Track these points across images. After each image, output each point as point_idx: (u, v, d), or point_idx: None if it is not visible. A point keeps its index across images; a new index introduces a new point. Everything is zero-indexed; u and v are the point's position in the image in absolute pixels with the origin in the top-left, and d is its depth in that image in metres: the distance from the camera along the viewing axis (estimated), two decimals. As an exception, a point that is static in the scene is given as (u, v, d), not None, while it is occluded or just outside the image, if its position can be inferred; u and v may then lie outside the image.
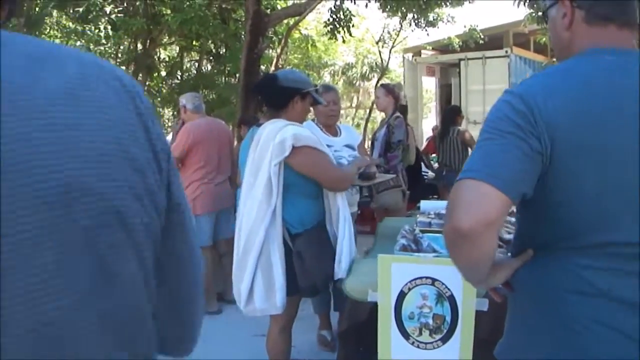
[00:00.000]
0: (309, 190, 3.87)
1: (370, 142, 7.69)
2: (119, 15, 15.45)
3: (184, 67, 22.53)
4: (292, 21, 17.10)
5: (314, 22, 25.64)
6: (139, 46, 18.59)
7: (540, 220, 1.82)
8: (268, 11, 14.99)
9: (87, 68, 1.08)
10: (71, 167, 1.00)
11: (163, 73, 21.74)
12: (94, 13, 15.11)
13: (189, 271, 1.29)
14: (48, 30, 18.58)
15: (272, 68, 16.96)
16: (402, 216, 6.00)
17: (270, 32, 15.76)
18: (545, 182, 1.70)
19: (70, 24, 16.75)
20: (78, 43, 14.39)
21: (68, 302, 1.03)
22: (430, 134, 13.59)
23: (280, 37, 18.27)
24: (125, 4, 16.58)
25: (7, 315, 0.96)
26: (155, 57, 20.39)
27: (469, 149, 8.85)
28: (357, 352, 3.75)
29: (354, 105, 37.83)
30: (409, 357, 3.30)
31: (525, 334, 1.90)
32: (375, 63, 30.40)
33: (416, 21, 20.01)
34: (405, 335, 3.29)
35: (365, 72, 32.81)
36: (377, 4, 16.89)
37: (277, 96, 3.95)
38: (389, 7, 17.22)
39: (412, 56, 19.63)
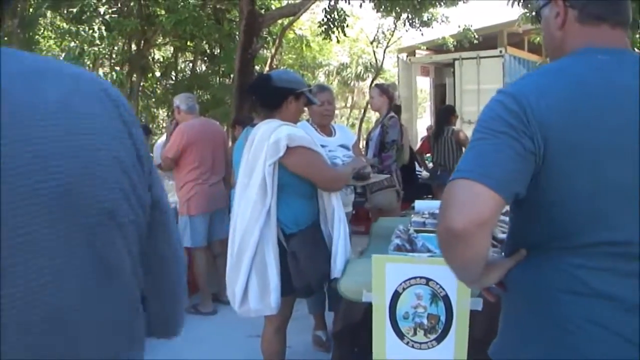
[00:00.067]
0: (304, 191, 3.87)
1: (364, 142, 7.68)
2: (113, 15, 15.42)
3: (178, 68, 22.50)
4: (286, 21, 17.07)
5: (308, 22, 25.65)
6: (133, 47, 18.56)
7: (534, 220, 1.82)
8: (262, 11, 14.99)
9: (79, 81, 1.16)
10: (69, 171, 1.07)
11: (157, 74, 21.72)
12: (88, 14, 15.09)
13: (172, 266, 1.39)
14: (42, 31, 18.57)
15: (267, 68, 16.94)
16: (396, 216, 6.00)
17: (264, 33, 15.75)
18: (538, 182, 1.70)
19: (64, 24, 16.68)
20: (72, 44, 14.35)
21: (70, 301, 1.11)
22: (425, 133, 13.57)
23: (274, 37, 18.25)
24: (119, 5, 16.55)
25: (7, 317, 1.00)
26: (150, 57, 20.35)
27: (464, 149, 8.85)
28: (352, 352, 3.76)
29: (348, 105, 37.83)
30: (404, 357, 3.30)
31: (518, 333, 1.90)
32: (370, 63, 30.40)
33: (410, 21, 20.00)
34: (400, 335, 3.29)
35: (360, 72, 32.82)
36: (372, 4, 16.90)
37: (271, 96, 3.95)
38: (383, 7, 17.25)
39: (407, 56, 19.61)
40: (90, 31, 14.33)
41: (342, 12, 15.58)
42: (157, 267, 1.34)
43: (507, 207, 1.89)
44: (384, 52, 25.88)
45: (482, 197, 1.60)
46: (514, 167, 1.66)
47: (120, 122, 1.19)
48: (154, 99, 21.57)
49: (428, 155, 10.85)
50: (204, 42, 18.29)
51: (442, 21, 20.73)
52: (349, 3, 15.57)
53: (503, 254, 2.10)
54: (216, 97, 18.86)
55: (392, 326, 3.29)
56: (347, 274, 3.77)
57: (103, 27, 14.74)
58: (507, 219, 2.37)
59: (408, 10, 18.19)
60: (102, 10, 15.34)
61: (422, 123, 19.10)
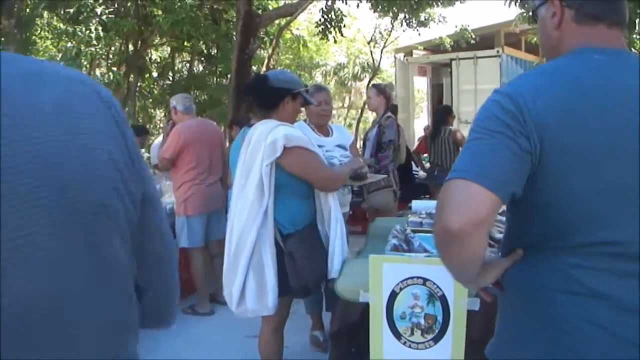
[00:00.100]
0: (301, 191, 3.87)
1: (362, 142, 7.69)
2: (109, 16, 15.39)
3: (176, 68, 22.49)
4: (283, 21, 17.11)
5: (305, 23, 25.67)
6: (130, 47, 18.55)
7: (530, 220, 1.82)
8: (259, 12, 14.99)
9: (73, 82, 1.21)
10: (68, 170, 1.11)
11: (154, 74, 21.69)
12: (85, 14, 15.07)
13: (165, 258, 1.45)
14: (39, 31, 18.54)
15: (264, 69, 16.96)
16: (393, 216, 6.00)
17: (261, 33, 15.76)
18: (535, 182, 1.70)
19: (61, 25, 16.67)
20: (69, 44, 14.33)
21: (71, 301, 1.15)
22: (422, 133, 13.59)
23: (271, 37, 18.27)
24: (116, 5, 16.53)
25: (8, 316, 1.02)
26: (147, 58, 20.35)
27: (461, 149, 8.81)
28: (349, 352, 3.76)
29: (345, 105, 37.85)
30: (401, 357, 3.30)
31: (515, 333, 1.90)
32: (367, 63, 30.43)
33: (407, 21, 20.06)
34: (397, 335, 3.29)
35: (357, 72, 32.84)
36: (369, 4, 16.92)
37: (267, 97, 3.94)
38: (380, 7, 17.26)
39: (404, 56, 19.65)
40: (87, 31, 14.31)
41: (339, 12, 15.60)
42: (149, 259, 1.38)
43: (504, 207, 1.89)
44: (381, 52, 25.92)
45: (478, 197, 1.60)
46: (511, 167, 1.66)
47: (113, 122, 1.24)
48: (151, 100, 21.56)
49: (425, 155, 10.86)
50: (201, 42, 18.29)
51: (439, 21, 20.81)
52: (346, 3, 15.60)
53: (500, 253, 2.09)
54: (213, 97, 18.85)
55: (389, 326, 3.29)
56: (344, 274, 3.77)
57: (100, 28, 14.72)
58: (504, 218, 2.38)
59: (405, 10, 18.21)
60: (99, 10, 15.32)
61: (420, 123, 19.15)
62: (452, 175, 1.67)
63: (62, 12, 16.08)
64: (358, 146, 7.81)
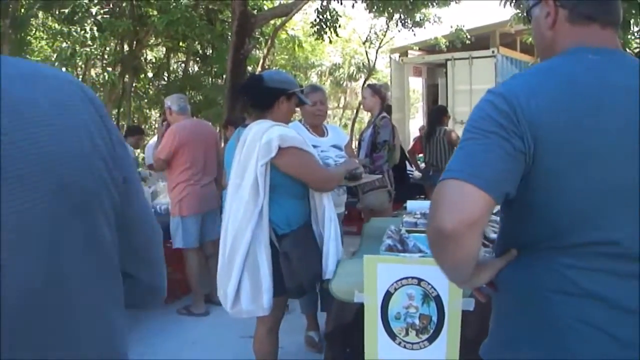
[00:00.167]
0: (296, 191, 3.87)
1: (357, 143, 7.69)
2: (105, 16, 15.38)
3: (171, 68, 22.50)
4: (278, 22, 17.10)
5: (300, 23, 25.67)
6: (125, 47, 18.55)
7: (524, 220, 1.81)
8: (255, 12, 14.99)
9: (62, 81, 1.29)
10: (64, 162, 1.17)
11: (150, 74, 21.72)
12: (80, 14, 15.06)
13: (147, 233, 1.50)
14: (34, 31, 18.51)
15: (259, 69, 16.96)
16: (388, 216, 6.00)
17: (256, 33, 15.77)
18: (528, 182, 1.70)
19: (56, 25, 16.65)
20: (64, 44, 14.32)
21: (72, 301, 1.22)
22: (417, 134, 13.59)
23: (266, 37, 18.28)
24: (111, 5, 16.53)
25: (8, 307, 1.07)
26: (142, 58, 20.33)
27: (455, 149, 8.85)
28: (344, 352, 3.75)
29: (341, 105, 37.88)
30: (396, 357, 3.30)
31: (509, 333, 1.90)
32: (362, 63, 30.44)
33: (403, 21, 20.04)
34: (392, 335, 3.29)
35: (352, 72, 32.87)
36: (364, 5, 16.93)
37: (262, 97, 3.94)
38: (375, 7, 17.26)
39: (399, 56, 19.62)
40: (82, 32, 14.30)
41: (334, 12, 15.62)
42: (133, 236, 1.43)
43: (498, 207, 1.89)
44: (377, 52, 25.94)
45: (472, 197, 1.60)
46: (504, 167, 1.65)
47: (97, 116, 1.31)
48: (146, 100, 21.57)
49: (420, 155, 10.86)
50: (196, 42, 18.30)
51: (435, 21, 20.80)
52: (341, 3, 15.61)
53: (494, 253, 2.09)
54: (208, 97, 18.86)
55: (384, 326, 3.29)
56: (339, 274, 3.77)
57: (95, 28, 14.71)
58: (498, 218, 2.38)
59: (400, 10, 18.23)
60: (94, 10, 15.31)
61: (415, 123, 19.11)
62: (445, 176, 1.67)
63: (57, 12, 16.06)
64: (353, 146, 7.81)
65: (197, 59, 21.01)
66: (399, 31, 21.46)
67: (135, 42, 18.06)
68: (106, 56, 18.66)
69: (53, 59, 15.63)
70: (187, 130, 6.46)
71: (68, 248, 1.19)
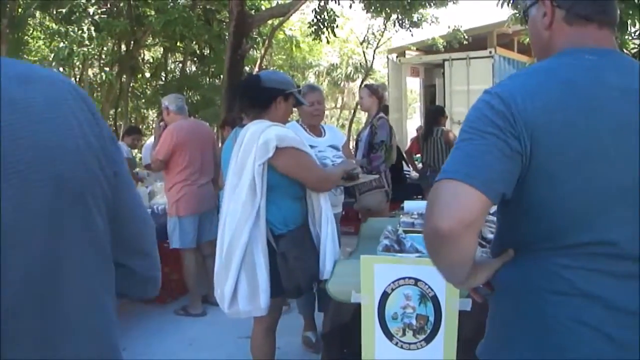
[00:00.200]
0: (293, 191, 3.87)
1: (354, 143, 7.68)
2: (102, 16, 15.33)
3: (168, 68, 22.49)
4: (276, 22, 17.10)
5: (298, 23, 25.66)
6: (123, 47, 18.52)
7: (520, 221, 1.81)
8: (252, 12, 14.99)
9: (55, 81, 1.34)
10: (61, 160, 1.23)
11: (147, 74, 21.69)
12: (77, 14, 15.00)
13: (138, 222, 1.55)
14: (31, 31, 18.49)
15: (256, 69, 16.93)
16: (385, 217, 6.00)
17: (254, 33, 15.77)
18: (525, 182, 1.70)
19: (54, 25, 16.61)
20: (61, 44, 14.25)
21: (69, 275, 1.27)
22: (415, 134, 13.59)
23: (264, 37, 18.27)
24: (108, 5, 16.49)
25: (7, 295, 1.14)
26: (139, 58, 20.35)
27: (453, 149, 8.83)
28: (341, 353, 3.75)
29: (338, 105, 37.88)
30: (393, 357, 3.30)
31: (506, 334, 1.90)
32: (360, 64, 30.46)
33: (400, 22, 20.07)
34: (389, 335, 3.29)
35: (350, 72, 32.88)
36: (361, 5, 16.94)
37: (260, 97, 3.94)
38: (373, 7, 17.28)
39: (397, 57, 19.64)
40: (80, 32, 14.24)
41: (331, 12, 15.62)
42: (125, 228, 1.49)
43: (496, 207, 1.89)
44: (374, 52, 25.93)
45: (468, 198, 1.60)
46: (501, 168, 1.65)
47: (90, 114, 1.37)
48: (143, 100, 21.54)
49: (418, 155, 10.87)
50: (194, 42, 18.28)
51: (432, 22, 20.82)
52: (338, 4, 15.63)
53: (491, 254, 2.09)
54: (206, 97, 18.84)
55: (381, 327, 3.29)
56: (336, 274, 3.77)
57: (92, 28, 14.65)
58: (495, 218, 2.38)
59: (398, 10, 18.25)
60: (91, 10, 15.25)
61: (412, 124, 19.11)
62: (441, 176, 1.67)
63: (54, 12, 16.02)
64: (351, 147, 7.80)
65: (195, 59, 21.00)
66: (397, 31, 21.55)
67: (132, 42, 18.04)
68: (104, 56, 18.63)
69: (50, 59, 15.59)
70: (185, 130, 6.46)
71: (67, 237, 1.26)
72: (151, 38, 19.15)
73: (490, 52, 15.97)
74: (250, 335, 4.11)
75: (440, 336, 3.23)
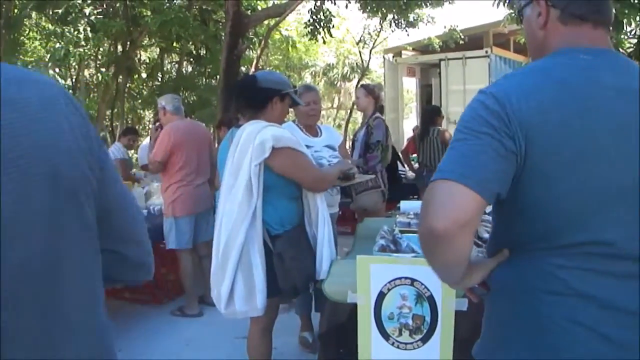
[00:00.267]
0: (289, 192, 3.87)
1: (351, 143, 7.68)
2: (98, 17, 15.31)
3: (164, 69, 22.50)
4: (272, 22, 17.10)
5: (294, 23, 25.67)
6: (119, 48, 18.53)
7: (515, 221, 1.81)
8: (248, 12, 14.98)
9: (46, 85, 1.39)
10: (57, 158, 1.28)
11: (143, 75, 21.72)
12: (74, 15, 14.99)
13: (127, 208, 1.60)
14: (27, 32, 18.47)
15: (252, 69, 16.93)
16: (381, 217, 6.00)
17: (250, 33, 15.77)
18: (519, 182, 1.70)
19: (50, 25, 16.60)
20: (57, 45, 14.25)
21: (66, 264, 1.32)
22: (411, 134, 13.59)
23: (260, 38, 18.27)
24: (104, 6, 16.49)
25: (8, 296, 1.17)
26: (136, 58, 20.32)
27: (449, 149, 8.83)
28: (338, 353, 3.75)
29: (335, 106, 37.88)
30: (389, 357, 3.30)
31: (501, 334, 1.90)
32: (356, 64, 30.48)
33: (396, 22, 20.06)
34: (385, 335, 3.29)
35: (346, 72, 32.90)
36: (357, 5, 16.93)
37: (256, 97, 3.94)
38: (369, 7, 17.26)
39: (393, 57, 19.62)
40: (76, 32, 14.23)
41: (328, 12, 15.62)
42: (114, 219, 1.55)
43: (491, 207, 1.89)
44: (370, 52, 25.93)
45: (462, 198, 1.60)
46: (495, 168, 1.65)
47: (79, 115, 1.43)
48: (140, 100, 21.57)
49: (414, 155, 10.87)
50: (190, 43, 18.30)
51: (428, 22, 20.83)
52: (334, 4, 15.62)
53: (486, 253, 2.09)
54: (202, 98, 18.86)
55: (378, 327, 3.29)
56: (332, 275, 3.77)
57: (88, 28, 14.64)
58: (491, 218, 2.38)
59: (394, 10, 18.23)
60: (87, 11, 15.24)
61: (409, 123, 19.11)
62: (436, 176, 1.67)
63: (50, 12, 15.99)
64: (347, 147, 7.80)
65: (191, 59, 21.01)
66: (393, 31, 21.54)
67: (128, 43, 18.04)
68: (100, 57, 18.65)
69: (47, 60, 15.61)
70: (181, 131, 6.45)
71: (66, 235, 1.31)
72: (147, 38, 19.16)
73: (487, 52, 15.99)
74: (247, 335, 4.11)
75: (437, 336, 3.23)
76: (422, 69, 18.68)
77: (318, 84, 32.11)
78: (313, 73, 33.68)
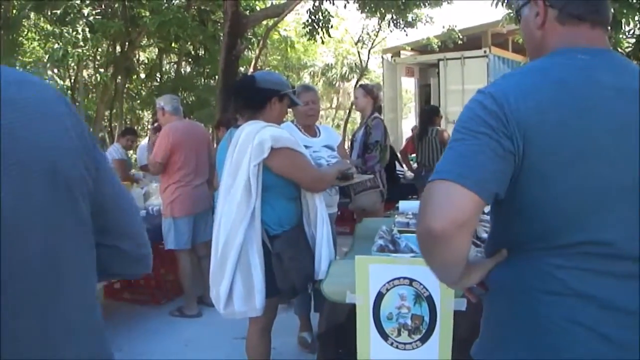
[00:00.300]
0: (288, 192, 3.87)
1: (349, 143, 7.68)
2: (97, 17, 15.30)
3: (163, 69, 22.48)
4: (270, 22, 17.09)
5: (293, 24, 25.67)
6: (118, 48, 18.51)
7: (513, 221, 1.81)
8: (247, 12, 14.98)
9: (45, 87, 1.44)
10: (54, 154, 1.32)
11: (142, 75, 21.69)
12: (72, 15, 14.98)
13: (123, 205, 1.63)
14: (26, 32, 18.46)
15: (251, 69, 16.93)
16: (380, 217, 6.00)
17: (249, 34, 15.76)
18: (517, 182, 1.70)
19: (48, 26, 16.59)
20: (56, 45, 14.23)
21: (69, 275, 1.35)
22: (410, 134, 13.60)
23: (259, 38, 18.26)
24: (103, 6, 16.48)
25: (8, 295, 1.19)
26: (134, 59, 20.28)
27: (448, 149, 8.83)
28: (337, 353, 3.75)
29: (333, 106, 37.89)
30: (388, 357, 3.30)
31: (500, 334, 1.90)
32: (355, 64, 30.46)
33: (395, 22, 20.03)
34: (384, 336, 3.29)
35: (345, 72, 32.90)
36: (356, 5, 16.93)
37: (254, 98, 3.94)
38: (367, 7, 17.27)
39: (391, 57, 19.65)
40: (74, 33, 14.21)
41: (326, 13, 15.61)
42: (111, 215, 1.57)
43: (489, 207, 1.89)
44: (369, 52, 25.91)
45: (460, 198, 1.60)
46: (493, 168, 1.65)
47: (74, 116, 1.46)
48: (138, 101, 21.54)
49: (413, 155, 10.87)
50: (189, 43, 18.26)
51: (427, 22, 20.79)
52: (333, 4, 15.62)
53: (485, 253, 2.09)
54: (201, 98, 18.84)
55: (376, 327, 3.29)
56: (331, 275, 3.77)
57: (87, 29, 14.61)
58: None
59: (392, 11, 18.24)
60: (86, 11, 15.23)
61: (407, 123, 19.14)
62: (434, 177, 1.67)
63: (49, 13, 15.98)
64: (346, 147, 7.80)
65: (190, 59, 20.98)
66: (391, 31, 21.47)
67: (127, 43, 18.01)
68: (98, 57, 18.64)
69: (45, 60, 15.60)
70: (180, 131, 6.45)
71: (65, 234, 1.34)
72: (146, 39, 19.12)
73: (485, 52, 16.02)
74: (246, 335, 4.11)
75: (436, 336, 3.23)
76: (421, 69, 18.71)
77: (317, 84, 32.12)
78: (312, 73, 33.68)
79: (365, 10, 18.03)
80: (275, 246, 3.77)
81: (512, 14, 11.54)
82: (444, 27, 20.35)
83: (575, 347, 1.71)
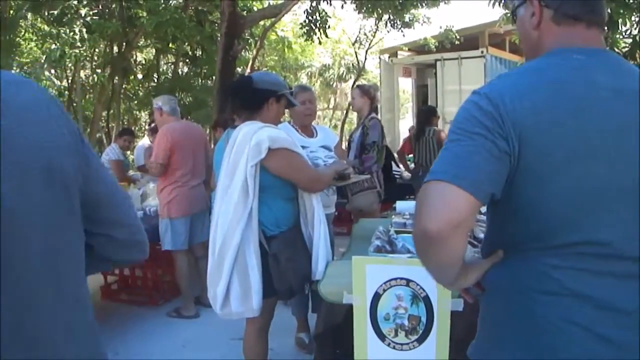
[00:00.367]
0: (285, 192, 3.87)
1: (347, 144, 7.68)
2: (94, 17, 15.31)
3: (160, 70, 22.44)
4: (268, 23, 17.08)
5: (290, 24, 25.67)
6: (115, 49, 18.49)
7: (509, 221, 1.81)
8: (244, 13, 14.97)
9: (35, 88, 1.47)
10: (49, 152, 1.35)
11: (139, 76, 21.67)
12: (69, 16, 14.98)
13: (115, 197, 1.65)
14: (23, 33, 18.43)
15: (248, 70, 16.91)
16: (377, 217, 6.00)
17: (246, 34, 15.75)
18: (513, 183, 1.70)
19: (45, 26, 16.60)
20: (53, 46, 14.21)
21: (68, 274, 1.39)
22: (407, 134, 13.60)
23: (256, 38, 18.26)
24: (100, 7, 16.47)
25: (8, 289, 1.21)
26: (131, 59, 20.30)
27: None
28: (334, 354, 3.75)
29: (331, 106, 37.89)
30: (385, 358, 3.30)
31: (497, 334, 1.90)
32: (352, 64, 30.48)
33: (392, 22, 20.08)
34: (381, 336, 3.29)
35: (342, 73, 32.92)
36: (353, 5, 16.94)
37: (252, 98, 3.94)
38: (364, 8, 17.28)
39: (389, 57, 19.67)
40: (71, 33, 14.19)
41: (323, 13, 15.61)
42: (103, 208, 1.60)
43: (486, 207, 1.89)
44: (366, 53, 25.91)
45: (456, 199, 1.60)
46: (489, 169, 1.65)
47: (64, 116, 1.50)
48: (136, 101, 21.51)
49: (410, 155, 10.88)
50: (186, 44, 18.27)
51: (424, 22, 20.82)
52: (330, 4, 15.61)
53: (481, 253, 2.09)
54: (198, 99, 18.81)
55: (373, 327, 3.29)
56: (328, 275, 3.77)
57: (84, 29, 14.60)
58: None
59: (389, 11, 18.28)
60: (83, 12, 15.23)
61: (405, 124, 19.14)
62: (430, 177, 1.67)
63: (46, 13, 15.98)
64: (343, 147, 7.80)
65: (187, 60, 20.98)
66: (389, 32, 21.54)
67: (124, 44, 18.01)
68: (95, 58, 18.64)
69: (42, 61, 15.57)
70: (177, 131, 6.44)
71: (63, 232, 1.38)
72: (143, 39, 19.13)
73: (482, 52, 16.02)
74: (243, 336, 4.11)
75: (433, 336, 3.23)
76: (418, 69, 18.70)
77: (314, 84, 32.15)
78: (309, 74, 33.70)
79: (363, 11, 18.06)
80: (272, 247, 3.77)
81: (508, 14, 11.55)
82: (441, 27, 20.43)
83: (571, 347, 1.71)
